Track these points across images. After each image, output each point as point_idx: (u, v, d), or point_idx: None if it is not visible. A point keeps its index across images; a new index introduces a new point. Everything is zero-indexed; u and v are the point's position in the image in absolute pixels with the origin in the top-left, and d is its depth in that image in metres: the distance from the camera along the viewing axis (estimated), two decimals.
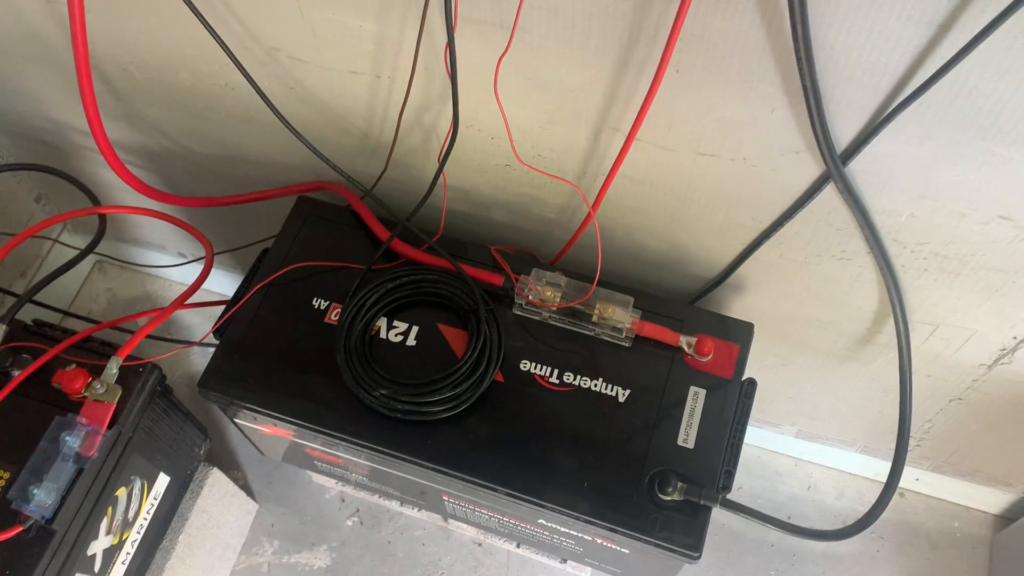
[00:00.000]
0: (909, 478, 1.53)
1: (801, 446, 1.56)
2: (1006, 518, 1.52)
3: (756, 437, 1.57)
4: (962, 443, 1.36)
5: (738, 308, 1.20)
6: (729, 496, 1.01)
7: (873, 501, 1.52)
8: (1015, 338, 1.06)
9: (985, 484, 1.47)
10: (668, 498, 1.00)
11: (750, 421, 1.48)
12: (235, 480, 1.49)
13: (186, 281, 1.81)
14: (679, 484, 0.99)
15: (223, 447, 1.63)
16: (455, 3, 0.84)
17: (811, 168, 0.91)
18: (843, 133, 0.85)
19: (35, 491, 0.99)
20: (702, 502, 0.99)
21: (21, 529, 0.98)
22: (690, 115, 0.90)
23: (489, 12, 0.85)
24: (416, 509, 1.53)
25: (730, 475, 1.03)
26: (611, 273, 1.15)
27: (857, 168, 0.89)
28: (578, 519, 1.01)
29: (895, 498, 1.55)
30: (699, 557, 0.99)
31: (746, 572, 1.50)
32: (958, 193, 0.87)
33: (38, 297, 1.24)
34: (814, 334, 1.20)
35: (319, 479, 1.57)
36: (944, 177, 0.86)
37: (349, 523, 1.56)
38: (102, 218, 1.30)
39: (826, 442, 1.51)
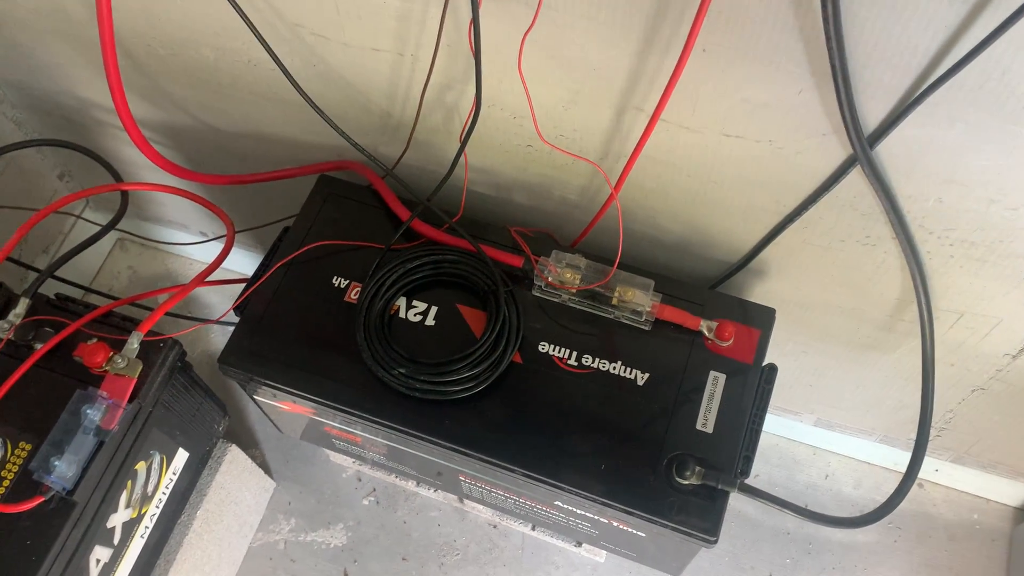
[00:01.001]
0: (928, 469, 1.52)
1: (819, 435, 1.55)
2: None
3: (774, 425, 1.56)
4: (984, 434, 1.35)
5: (760, 293, 1.19)
6: (747, 482, 1.01)
7: (891, 491, 1.51)
8: None
9: (1006, 476, 1.45)
10: (686, 482, 0.99)
11: (769, 408, 1.48)
12: (253, 458, 1.50)
13: (207, 260, 1.80)
14: (697, 468, 0.99)
15: (241, 425, 1.64)
16: None
17: (837, 151, 0.90)
18: (871, 115, 0.84)
19: (56, 463, 1.00)
20: (720, 486, 0.99)
21: (42, 500, 0.99)
22: (716, 96, 0.89)
23: None
24: (432, 490, 1.54)
25: (748, 460, 1.02)
26: (631, 256, 1.14)
27: (884, 152, 0.87)
28: (595, 501, 1.01)
29: (914, 488, 1.54)
30: (716, 541, 0.99)
31: (762, 559, 1.50)
32: (987, 178, 0.86)
33: (61, 274, 1.25)
34: (836, 321, 1.19)
35: (336, 458, 1.58)
36: (973, 162, 0.85)
37: (365, 502, 1.57)
38: (124, 195, 1.30)
39: (845, 431, 1.50)
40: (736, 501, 1.54)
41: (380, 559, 1.52)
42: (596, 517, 1.10)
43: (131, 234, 1.82)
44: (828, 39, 0.74)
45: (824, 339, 1.25)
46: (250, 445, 1.62)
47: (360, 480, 1.59)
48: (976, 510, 1.52)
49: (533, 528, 1.50)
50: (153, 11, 1.08)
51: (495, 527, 1.54)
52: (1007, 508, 1.52)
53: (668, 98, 0.87)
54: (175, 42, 1.13)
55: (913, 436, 1.35)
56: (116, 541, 1.14)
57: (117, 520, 1.13)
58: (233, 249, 1.24)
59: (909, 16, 0.72)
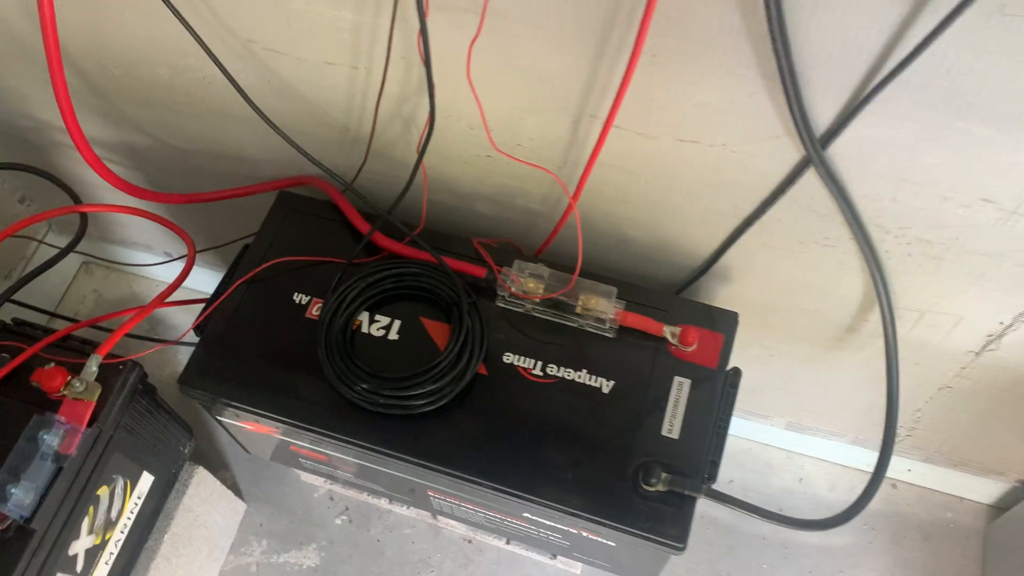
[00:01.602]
0: (901, 469, 1.52)
1: (792, 438, 1.55)
2: (999, 508, 1.51)
3: (746, 430, 1.56)
4: (952, 432, 1.35)
5: (723, 298, 1.19)
6: (720, 489, 1.00)
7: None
8: (1001, 323, 1.05)
9: (977, 474, 1.46)
10: (653, 489, 0.98)
11: (740, 413, 1.48)
12: (223, 480, 1.48)
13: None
14: (663, 475, 0.98)
15: (211, 447, 1.62)
16: None
17: (791, 153, 0.90)
18: (822, 116, 0.84)
19: (13, 490, 0.98)
20: (687, 493, 0.98)
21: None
22: (669, 101, 0.89)
23: None
24: (405, 507, 1.52)
25: (715, 465, 1.02)
26: (596, 264, 1.14)
27: (837, 152, 0.88)
28: (562, 512, 1.00)
29: (887, 489, 1.54)
30: (684, 548, 0.98)
31: (738, 566, 1.49)
32: (939, 176, 0.87)
33: (26, 300, 1.24)
34: (800, 323, 1.19)
35: (307, 478, 1.56)
36: (925, 160, 0.85)
37: (338, 521, 1.55)
38: (83, 217, 1.29)
39: (817, 433, 1.50)
40: (710, 508, 1.54)
41: None
42: (566, 528, 1.09)
43: (95, 257, 1.80)
44: (773, 40, 0.75)
45: (790, 342, 1.25)
46: (220, 467, 1.60)
47: (332, 499, 1.57)
48: (950, 509, 1.53)
49: (508, 542, 1.49)
50: (104, 31, 1.07)
51: (470, 542, 1.52)
52: (980, 506, 1.53)
53: (619, 105, 0.87)
54: (128, 62, 1.12)
55: None
56: (79, 569, 1.12)
57: (79, 547, 1.11)
58: (198, 269, 1.23)
59: (852, 16, 0.73)
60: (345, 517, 1.55)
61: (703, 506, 1.54)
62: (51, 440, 1.01)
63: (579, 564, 1.47)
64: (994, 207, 0.88)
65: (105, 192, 1.51)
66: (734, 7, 0.76)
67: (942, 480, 1.51)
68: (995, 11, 0.68)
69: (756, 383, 1.38)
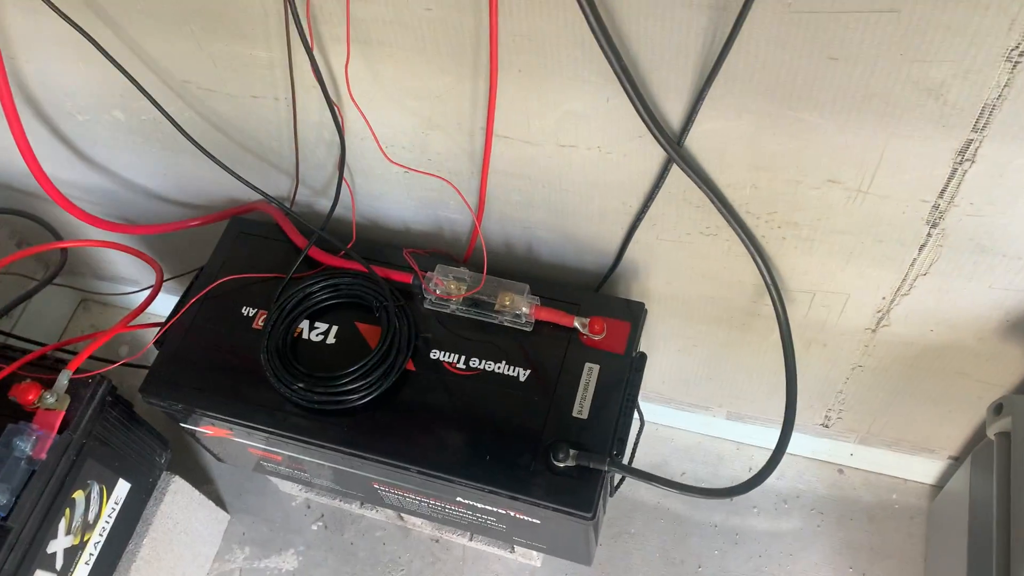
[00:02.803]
0: (843, 453, 1.58)
1: (740, 429, 1.62)
2: (941, 487, 1.56)
3: (692, 423, 1.63)
4: (877, 411, 1.41)
5: (638, 292, 1.28)
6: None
7: (814, 480, 1.58)
8: (884, 298, 1.13)
9: (912, 453, 1.51)
10: (562, 465, 1.07)
11: (681, 406, 1.56)
12: (207, 494, 1.59)
13: (163, 312, 1.92)
14: (571, 451, 1.07)
15: (195, 463, 1.73)
16: (308, 25, 0.95)
17: (656, 150, 1.00)
18: (672, 115, 0.94)
19: None
20: (592, 466, 1.07)
21: None
22: (542, 110, 0.99)
23: (341, 29, 0.96)
24: (375, 510, 1.62)
25: (622, 441, 1.11)
26: (523, 266, 1.25)
27: (694, 146, 0.97)
28: (481, 489, 1.09)
29: (834, 475, 1.60)
30: (592, 517, 1.07)
31: (691, 553, 1.56)
32: (786, 161, 0.96)
33: (28, 335, 1.37)
34: (711, 311, 1.27)
35: (286, 488, 1.67)
36: (768, 147, 0.94)
37: (314, 528, 1.65)
38: (63, 252, 1.43)
39: (756, 422, 1.57)
40: (664, 499, 1.61)
41: None
42: (495, 509, 1.18)
43: (91, 293, 1.94)
44: (602, 48, 0.85)
45: (707, 331, 1.33)
46: (204, 482, 1.71)
47: (309, 507, 1.67)
48: (895, 490, 1.58)
49: (471, 538, 1.57)
50: (63, 82, 1.21)
51: (437, 541, 1.61)
52: (924, 486, 1.58)
53: (493, 116, 0.98)
54: (89, 107, 1.25)
55: (818, 422, 1.44)
56: (59, 566, 1.23)
57: (58, 546, 1.22)
58: (171, 297, 1.35)
59: (670, 22, 0.83)
60: (321, 523, 1.65)
61: (657, 497, 1.62)
62: (23, 445, 1.13)
63: (537, 555, 1.55)
64: (841, 187, 0.96)
65: (89, 233, 1.65)
66: (572, 22, 0.86)
67: (885, 463, 1.57)
68: (784, 9, 0.78)
69: (687, 375, 1.46)
